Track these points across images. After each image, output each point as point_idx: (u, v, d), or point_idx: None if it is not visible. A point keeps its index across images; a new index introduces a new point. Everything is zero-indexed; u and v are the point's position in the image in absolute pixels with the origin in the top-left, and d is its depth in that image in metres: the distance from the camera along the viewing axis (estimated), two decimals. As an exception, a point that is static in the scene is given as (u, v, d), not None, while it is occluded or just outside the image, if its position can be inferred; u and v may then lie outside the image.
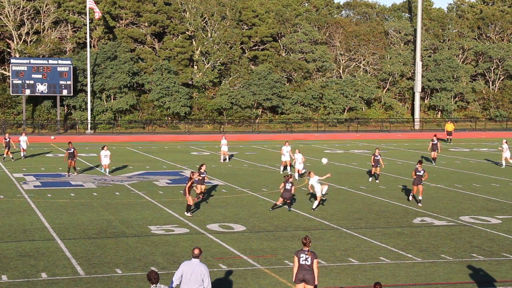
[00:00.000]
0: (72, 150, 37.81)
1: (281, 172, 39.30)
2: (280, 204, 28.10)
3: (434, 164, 44.05)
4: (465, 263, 20.12)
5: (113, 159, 46.02)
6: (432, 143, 44.65)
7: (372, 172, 36.49)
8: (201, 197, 29.95)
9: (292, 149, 39.47)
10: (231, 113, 75.84)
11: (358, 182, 36.02)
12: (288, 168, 39.27)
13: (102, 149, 38.49)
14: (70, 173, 38.26)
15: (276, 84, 74.92)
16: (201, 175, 29.72)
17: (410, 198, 30.24)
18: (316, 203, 28.07)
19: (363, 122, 78.91)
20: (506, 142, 44.03)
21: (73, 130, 70.75)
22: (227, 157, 46.17)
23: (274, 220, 26.00)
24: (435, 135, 46.19)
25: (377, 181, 36.03)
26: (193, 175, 27.34)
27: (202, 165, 30.21)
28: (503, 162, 43.74)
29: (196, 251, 14.08)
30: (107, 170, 38.52)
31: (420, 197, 29.37)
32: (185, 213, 26.81)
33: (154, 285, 12.69)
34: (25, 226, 24.64)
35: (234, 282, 18.04)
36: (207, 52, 75.65)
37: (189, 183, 26.67)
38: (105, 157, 38.01)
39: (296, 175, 36.82)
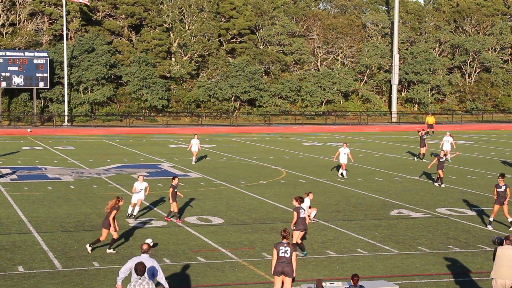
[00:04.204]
0: None
1: (339, 175, 35.62)
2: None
3: (422, 160, 42.08)
4: (441, 254, 20.30)
5: (92, 152, 45.82)
6: (421, 137, 41.87)
7: (439, 176, 32.70)
8: (168, 219, 24.49)
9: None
10: (209, 106, 75.70)
11: (335, 175, 36.10)
12: (344, 172, 35.51)
13: None
14: None
15: (254, 77, 74.87)
16: (174, 190, 24.22)
17: (489, 227, 23.74)
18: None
19: (340, 114, 79.13)
20: (450, 135, 42.65)
21: (50, 123, 70.27)
22: (194, 158, 40.68)
23: (252, 213, 26.03)
24: (423, 130, 44.56)
25: (442, 185, 32.53)
26: (118, 201, 20.42)
27: (174, 178, 24.83)
28: (447, 156, 42.05)
29: (145, 246, 14.17)
30: None
31: (491, 218, 23.88)
32: (107, 249, 20.39)
33: (138, 276, 12.67)
34: (1, 219, 24.45)
35: (212, 274, 18.05)
36: (185, 44, 75.41)
37: (113, 213, 20.11)
38: None
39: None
